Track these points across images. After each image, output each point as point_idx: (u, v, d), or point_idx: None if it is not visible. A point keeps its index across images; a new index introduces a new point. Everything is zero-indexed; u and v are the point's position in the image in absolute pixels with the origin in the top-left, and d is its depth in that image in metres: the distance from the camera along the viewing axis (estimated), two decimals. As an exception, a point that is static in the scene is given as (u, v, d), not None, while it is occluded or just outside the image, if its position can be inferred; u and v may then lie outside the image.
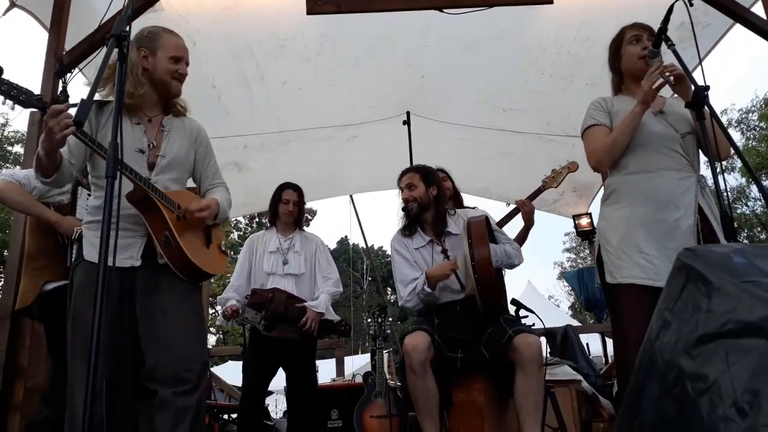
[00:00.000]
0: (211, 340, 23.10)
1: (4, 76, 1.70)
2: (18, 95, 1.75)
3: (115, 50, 1.59)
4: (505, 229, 3.81)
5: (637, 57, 2.43)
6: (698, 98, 2.13)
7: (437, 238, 2.99)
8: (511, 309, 2.97)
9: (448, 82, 4.97)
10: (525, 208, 3.69)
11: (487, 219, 2.84)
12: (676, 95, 2.45)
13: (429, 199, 3.02)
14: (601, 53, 4.29)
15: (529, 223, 3.79)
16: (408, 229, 3.03)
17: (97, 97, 2.05)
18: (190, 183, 2.44)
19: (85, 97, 1.47)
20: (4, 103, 1.77)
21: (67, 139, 1.97)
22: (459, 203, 3.67)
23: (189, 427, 2.03)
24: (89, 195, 2.30)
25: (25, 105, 1.78)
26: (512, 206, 3.76)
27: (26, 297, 2.68)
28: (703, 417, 0.89)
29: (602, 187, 6.14)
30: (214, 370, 9.18)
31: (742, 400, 0.84)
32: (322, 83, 4.81)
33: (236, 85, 4.69)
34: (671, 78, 2.25)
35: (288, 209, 3.72)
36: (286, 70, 4.61)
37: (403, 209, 3.04)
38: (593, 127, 2.47)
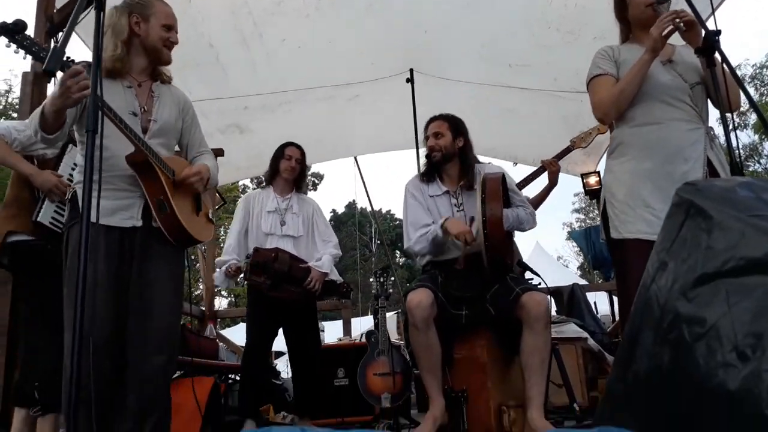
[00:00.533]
0: (223, 303, 23.39)
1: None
2: (39, 52, 1.76)
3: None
4: (528, 187, 3.80)
5: (645, 5, 2.32)
6: (708, 44, 2.03)
7: (454, 190, 2.95)
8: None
9: (451, 37, 4.81)
10: (552, 168, 3.69)
11: (503, 177, 2.78)
12: (686, 44, 2.34)
13: (454, 150, 2.96)
14: (610, 5, 4.15)
15: (553, 183, 3.78)
16: (427, 176, 2.98)
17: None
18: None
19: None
20: (24, 58, 1.80)
21: None
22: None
23: (165, 396, 2.17)
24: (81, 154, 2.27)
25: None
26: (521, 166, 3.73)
27: None
28: (699, 364, 0.82)
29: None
30: (225, 332, 9.30)
31: (743, 344, 0.76)
32: (321, 40, 4.67)
33: (234, 43, 4.57)
34: (681, 24, 2.14)
35: (290, 165, 3.66)
36: (285, 27, 4.47)
37: (427, 157, 2.97)
38: (599, 77, 2.38)
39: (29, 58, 1.78)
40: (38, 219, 2.55)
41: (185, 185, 2.27)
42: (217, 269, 3.55)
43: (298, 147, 3.75)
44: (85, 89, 1.73)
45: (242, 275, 3.39)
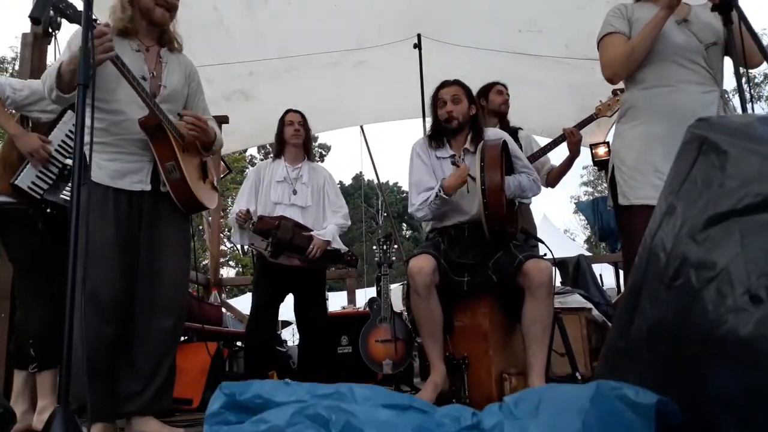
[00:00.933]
0: (231, 273, 23.55)
1: None
2: (66, 9, 1.78)
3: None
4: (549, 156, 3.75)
5: None
6: (725, 0, 1.94)
7: (458, 154, 2.88)
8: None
9: (460, 1, 4.69)
10: (573, 138, 3.59)
11: (504, 143, 2.71)
12: (704, 3, 2.25)
13: (467, 117, 2.89)
14: (625, -34, 4.00)
15: (575, 153, 3.71)
16: (436, 139, 2.92)
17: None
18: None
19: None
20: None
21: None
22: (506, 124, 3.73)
23: (172, 358, 2.22)
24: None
25: (71, 20, 1.82)
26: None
27: None
28: (708, 310, 0.75)
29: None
30: (232, 301, 9.38)
31: (757, 286, 0.70)
32: (327, 3, 4.56)
33: (239, 7, 4.48)
34: None
35: (294, 129, 3.62)
36: (290, -12, 4.38)
37: (444, 122, 2.87)
38: (610, 35, 2.29)
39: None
40: (15, 182, 2.49)
41: (192, 152, 2.27)
42: (233, 229, 3.52)
43: (297, 111, 3.71)
44: (107, 51, 1.77)
45: (251, 223, 3.35)
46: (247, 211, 3.38)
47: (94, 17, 1.76)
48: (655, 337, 0.88)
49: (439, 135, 2.92)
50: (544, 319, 2.50)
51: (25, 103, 2.59)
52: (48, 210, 2.55)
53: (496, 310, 2.66)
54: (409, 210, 2.88)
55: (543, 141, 3.92)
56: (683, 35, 2.19)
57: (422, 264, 2.52)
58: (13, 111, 2.67)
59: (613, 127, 6.49)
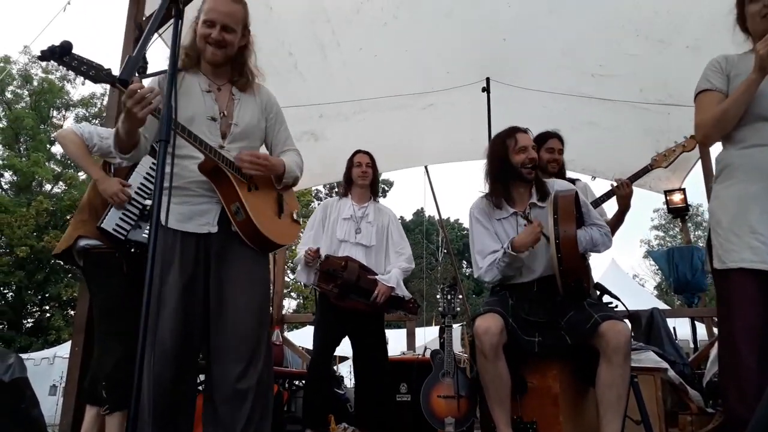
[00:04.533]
0: (292, 304, 23.85)
1: (74, 51, 1.69)
2: (88, 70, 1.75)
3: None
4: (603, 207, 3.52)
5: (759, 15, 2.10)
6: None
7: (522, 210, 2.74)
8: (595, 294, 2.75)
9: (531, 45, 4.65)
10: (623, 191, 3.32)
11: (576, 195, 2.61)
12: None
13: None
14: (705, 11, 3.85)
15: (625, 208, 3.41)
16: (501, 195, 2.76)
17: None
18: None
19: (133, 55, 1.40)
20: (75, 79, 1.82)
21: None
22: (563, 174, 3.44)
23: (251, 407, 2.06)
24: (153, 163, 2.30)
25: (95, 80, 1.77)
26: (600, 180, 3.45)
27: (60, 245, 2.74)
28: None
29: (698, 161, 5.64)
30: (291, 335, 9.44)
31: None
32: (398, 49, 4.65)
33: (312, 51, 4.63)
34: None
35: (361, 170, 3.68)
36: (362, 35, 4.49)
37: (528, 167, 2.71)
38: (705, 92, 2.17)
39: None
40: (102, 225, 2.60)
41: (265, 187, 2.22)
42: (298, 266, 3.55)
43: (367, 153, 3.77)
44: (146, 107, 1.72)
45: (315, 274, 3.37)
46: (317, 249, 3.40)
47: (106, 69, 1.75)
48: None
49: (503, 186, 2.78)
50: (620, 385, 2.34)
51: (110, 151, 2.73)
52: (132, 250, 2.65)
53: (568, 373, 2.52)
54: (476, 274, 2.78)
55: (600, 191, 3.68)
56: None
57: (489, 324, 2.41)
58: (98, 157, 2.82)
59: (690, 173, 6.25)
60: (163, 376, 1.96)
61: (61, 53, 1.64)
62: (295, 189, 2.49)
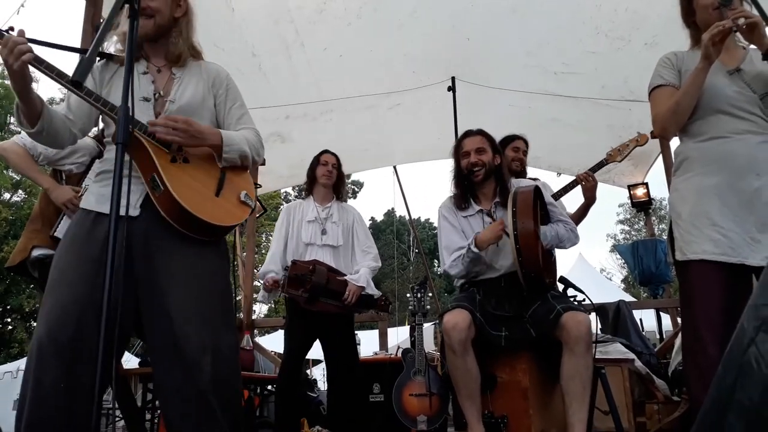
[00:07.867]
0: (263, 309, 23.62)
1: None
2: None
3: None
4: (563, 201, 3.59)
5: (711, 7, 2.15)
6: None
7: (488, 209, 2.82)
8: (559, 287, 2.79)
9: (495, 44, 4.70)
10: (586, 183, 3.44)
11: (537, 190, 2.64)
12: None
13: (492, 167, 2.83)
14: (663, 10, 3.94)
15: (590, 200, 3.52)
16: (461, 198, 2.84)
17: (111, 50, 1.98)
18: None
19: (87, 55, 1.36)
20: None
21: (68, 96, 1.90)
22: (524, 174, 3.56)
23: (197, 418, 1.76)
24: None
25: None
26: (565, 177, 3.54)
27: (14, 257, 2.69)
28: None
29: (659, 156, 5.78)
30: (262, 340, 9.34)
31: None
32: (363, 49, 4.64)
33: (276, 52, 4.58)
34: (741, 24, 1.96)
35: (327, 170, 3.65)
36: (327, 35, 4.46)
37: (467, 173, 2.82)
38: (659, 87, 2.22)
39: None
40: (55, 234, 2.55)
41: (199, 164, 1.93)
42: (260, 293, 3.54)
43: (333, 154, 3.74)
44: (22, 54, 1.58)
45: (280, 288, 3.36)
46: (275, 281, 3.38)
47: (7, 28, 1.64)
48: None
49: (463, 188, 2.86)
50: (583, 375, 2.37)
51: (57, 158, 2.66)
52: None
53: (536, 366, 2.55)
54: (442, 269, 2.84)
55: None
56: (735, 87, 2.11)
57: (457, 319, 2.43)
58: (46, 165, 2.75)
59: (651, 168, 6.39)
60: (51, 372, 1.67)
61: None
62: (262, 192, 2.39)
